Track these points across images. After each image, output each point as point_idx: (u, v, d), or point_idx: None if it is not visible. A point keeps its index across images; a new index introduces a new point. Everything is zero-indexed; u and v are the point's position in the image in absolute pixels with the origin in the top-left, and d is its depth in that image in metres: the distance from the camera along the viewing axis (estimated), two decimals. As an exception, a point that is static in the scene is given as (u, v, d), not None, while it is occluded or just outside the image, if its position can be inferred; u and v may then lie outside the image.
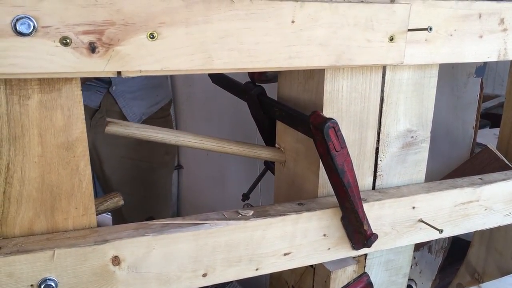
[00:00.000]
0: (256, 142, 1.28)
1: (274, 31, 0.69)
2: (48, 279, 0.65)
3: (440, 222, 0.94)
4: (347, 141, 0.80)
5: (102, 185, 1.64)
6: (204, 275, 0.77)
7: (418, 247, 1.53)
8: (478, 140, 1.55)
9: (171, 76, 2.20)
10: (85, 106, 1.45)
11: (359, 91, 0.85)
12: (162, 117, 1.65)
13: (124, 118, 1.51)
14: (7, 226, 0.68)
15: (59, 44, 0.57)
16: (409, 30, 0.80)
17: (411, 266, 1.07)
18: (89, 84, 1.43)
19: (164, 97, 1.61)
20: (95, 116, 1.49)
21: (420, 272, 1.70)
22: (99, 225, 0.74)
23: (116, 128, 0.83)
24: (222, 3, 0.65)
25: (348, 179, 0.76)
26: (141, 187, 1.63)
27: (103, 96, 1.47)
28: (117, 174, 1.57)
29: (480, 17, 0.87)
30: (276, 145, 1.01)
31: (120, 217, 1.62)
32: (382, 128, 0.91)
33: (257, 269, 0.81)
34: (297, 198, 0.89)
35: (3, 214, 0.67)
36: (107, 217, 2.49)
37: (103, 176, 1.59)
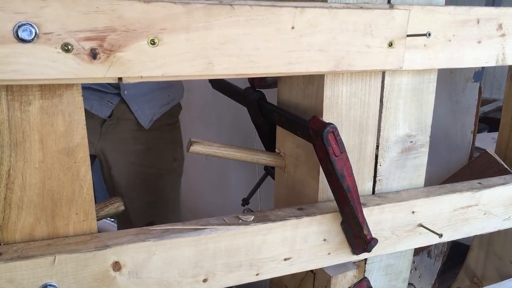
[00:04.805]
0: (255, 147, 1.28)
1: (274, 37, 0.70)
2: (49, 285, 0.65)
3: (440, 227, 0.95)
4: (347, 146, 0.81)
5: (109, 189, 1.64)
6: (205, 280, 0.77)
7: (417, 251, 1.54)
8: (477, 144, 1.56)
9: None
10: (94, 115, 1.44)
11: (359, 96, 0.86)
12: (171, 124, 1.65)
13: (135, 122, 1.52)
14: (8, 232, 0.68)
15: (60, 50, 0.57)
16: (408, 35, 0.80)
17: (410, 271, 1.07)
18: (100, 91, 1.43)
19: (175, 96, 1.61)
20: (105, 123, 1.49)
21: (419, 277, 1.70)
22: (99, 230, 0.74)
23: (200, 148, 0.86)
24: (223, 10, 0.65)
25: (347, 183, 0.77)
26: (149, 192, 1.63)
27: (114, 106, 1.48)
28: (125, 180, 1.58)
29: (478, 22, 0.88)
30: (276, 150, 1.01)
31: (128, 222, 1.62)
32: (381, 133, 0.91)
33: (257, 274, 0.81)
34: (297, 203, 0.89)
35: (4, 220, 0.67)
36: (108, 222, 2.49)
37: (111, 182, 1.59)
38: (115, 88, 1.44)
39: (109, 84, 1.42)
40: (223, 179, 2.18)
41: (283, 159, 0.99)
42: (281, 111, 0.91)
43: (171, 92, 1.59)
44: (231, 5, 0.65)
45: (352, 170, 0.77)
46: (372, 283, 0.93)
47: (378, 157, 0.92)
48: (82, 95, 1.36)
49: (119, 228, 1.68)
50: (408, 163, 0.96)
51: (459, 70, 1.48)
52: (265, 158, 0.99)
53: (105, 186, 1.65)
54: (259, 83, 1.01)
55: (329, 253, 0.85)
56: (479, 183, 1.01)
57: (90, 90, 1.41)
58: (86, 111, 1.44)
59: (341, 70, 0.77)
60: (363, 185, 0.92)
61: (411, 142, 0.95)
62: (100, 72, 0.60)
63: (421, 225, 0.92)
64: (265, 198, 1.63)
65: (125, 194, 1.58)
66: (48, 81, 0.61)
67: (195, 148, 0.86)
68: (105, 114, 1.47)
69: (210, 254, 0.75)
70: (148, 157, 1.57)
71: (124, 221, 1.64)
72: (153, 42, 0.62)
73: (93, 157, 1.52)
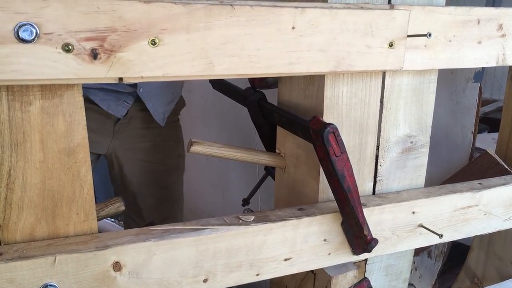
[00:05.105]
0: (256, 147, 1.28)
1: (275, 37, 0.70)
2: (50, 285, 0.65)
3: (440, 227, 0.95)
4: (347, 146, 0.81)
5: (118, 189, 1.64)
6: (205, 280, 0.77)
7: (418, 252, 1.54)
8: (477, 144, 1.56)
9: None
10: (111, 115, 1.44)
11: (359, 96, 0.86)
12: (175, 121, 1.67)
13: (143, 120, 1.52)
14: (8, 232, 0.68)
15: (61, 50, 0.57)
16: (409, 36, 0.80)
17: (410, 271, 1.07)
18: (115, 91, 1.43)
19: (177, 94, 1.63)
20: (118, 123, 1.50)
21: (420, 277, 1.70)
22: (100, 230, 0.74)
23: (200, 148, 0.88)
24: (223, 10, 0.65)
25: (348, 184, 0.77)
26: (159, 189, 1.65)
27: (130, 106, 1.48)
28: (137, 177, 1.59)
29: (478, 23, 0.88)
30: (277, 150, 1.01)
31: (141, 220, 1.62)
32: (381, 133, 0.91)
33: (257, 275, 0.81)
34: (297, 203, 0.89)
35: (4, 220, 0.67)
36: (108, 222, 2.50)
37: (122, 181, 1.60)
38: (130, 87, 1.44)
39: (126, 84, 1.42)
40: (223, 179, 2.18)
41: (283, 159, 0.99)
42: (281, 111, 0.91)
43: (174, 90, 1.60)
44: (231, 5, 0.65)
45: (352, 171, 0.77)
46: (372, 284, 0.93)
47: (379, 158, 0.92)
48: (99, 97, 1.36)
49: (131, 226, 1.69)
50: (408, 164, 0.96)
51: (459, 71, 1.48)
52: (265, 159, 0.99)
53: (113, 186, 1.66)
54: (259, 84, 1.01)
55: (329, 253, 0.85)
56: (479, 183, 1.01)
57: (106, 91, 1.41)
58: (102, 111, 1.45)
59: (341, 70, 0.77)
60: (364, 186, 0.92)
61: (412, 142, 0.95)
62: (101, 72, 0.60)
63: (422, 226, 0.92)
64: (265, 198, 1.63)
65: (137, 192, 1.59)
66: (49, 81, 0.61)
67: (195, 148, 0.86)
68: (121, 114, 1.48)
69: (210, 254, 0.75)
70: (155, 154, 1.58)
71: (138, 219, 1.64)
72: (153, 42, 0.62)
73: (94, 158, 1.52)
